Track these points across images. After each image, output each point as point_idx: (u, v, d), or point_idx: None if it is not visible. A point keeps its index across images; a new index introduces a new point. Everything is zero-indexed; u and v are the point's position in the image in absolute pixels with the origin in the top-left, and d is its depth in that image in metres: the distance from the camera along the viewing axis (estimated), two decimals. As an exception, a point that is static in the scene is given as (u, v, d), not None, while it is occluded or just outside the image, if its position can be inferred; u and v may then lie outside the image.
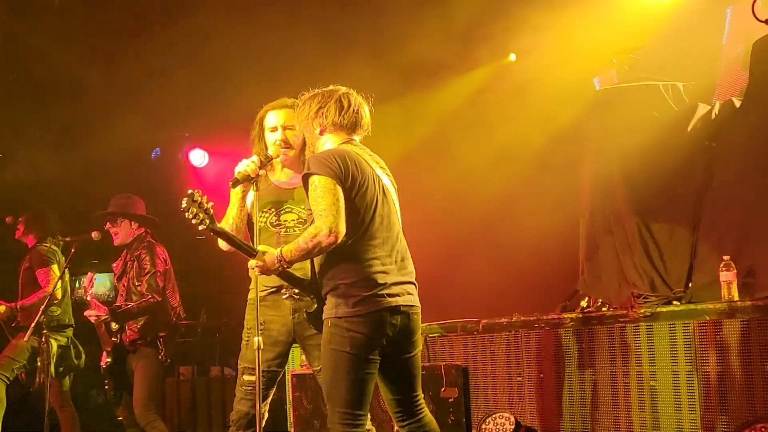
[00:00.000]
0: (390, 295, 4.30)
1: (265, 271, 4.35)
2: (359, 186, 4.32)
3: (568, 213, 7.23)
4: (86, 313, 6.72)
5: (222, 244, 4.76)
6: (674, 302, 5.93)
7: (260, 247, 4.38)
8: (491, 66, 8.85)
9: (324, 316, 4.37)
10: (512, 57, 8.71)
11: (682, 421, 5.37)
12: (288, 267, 4.32)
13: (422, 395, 4.57)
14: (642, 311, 5.67)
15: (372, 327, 4.26)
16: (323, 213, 4.19)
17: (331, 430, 4.35)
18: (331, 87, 4.57)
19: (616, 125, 6.65)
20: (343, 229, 4.19)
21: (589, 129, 6.96)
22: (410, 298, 4.41)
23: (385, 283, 4.30)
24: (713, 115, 6.21)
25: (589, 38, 7.36)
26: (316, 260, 4.43)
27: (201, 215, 4.25)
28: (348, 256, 4.30)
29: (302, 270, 4.53)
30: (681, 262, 6.19)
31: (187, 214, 4.24)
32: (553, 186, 7.62)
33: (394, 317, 4.32)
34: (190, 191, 4.23)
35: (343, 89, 4.55)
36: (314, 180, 4.27)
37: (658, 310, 5.64)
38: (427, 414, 4.54)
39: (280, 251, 4.28)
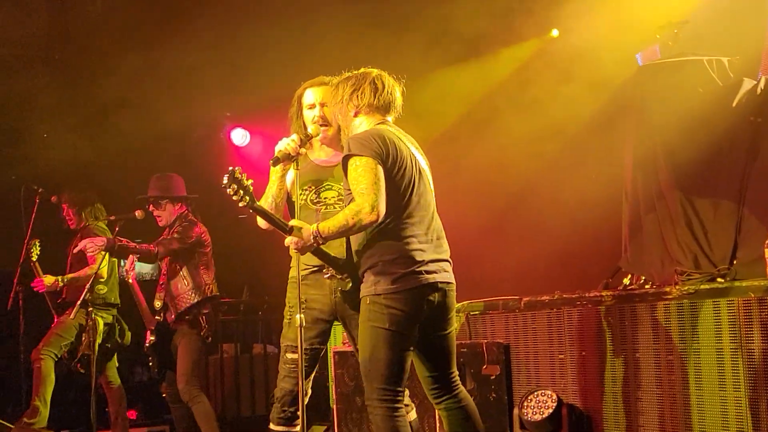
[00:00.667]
0: (428, 272, 4.36)
1: (301, 247, 4.38)
2: (398, 166, 4.36)
3: (611, 189, 7.17)
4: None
5: (261, 223, 4.82)
6: (718, 279, 5.87)
7: (294, 222, 4.40)
8: (535, 41, 8.81)
9: (362, 293, 4.42)
10: (555, 32, 8.66)
11: (726, 400, 5.32)
12: (323, 243, 4.35)
13: (457, 373, 4.60)
14: (685, 288, 5.62)
15: (410, 303, 4.32)
16: (365, 191, 4.23)
17: (369, 406, 4.40)
18: (362, 70, 4.61)
19: (660, 101, 6.58)
20: (383, 208, 4.24)
21: (631, 105, 6.88)
22: (447, 275, 4.47)
23: (423, 260, 4.36)
24: (758, 90, 6.11)
25: (631, 13, 7.28)
26: (353, 239, 4.48)
27: (241, 192, 4.29)
28: (386, 234, 4.35)
29: (338, 249, 4.58)
30: (725, 239, 6.11)
31: (228, 190, 4.29)
32: (596, 162, 7.57)
33: (432, 294, 4.38)
34: (230, 168, 4.29)
35: (376, 71, 4.61)
36: (355, 160, 4.31)
37: (702, 287, 5.59)
38: (462, 390, 4.59)
39: (317, 227, 4.31)
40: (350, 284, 4.51)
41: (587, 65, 7.59)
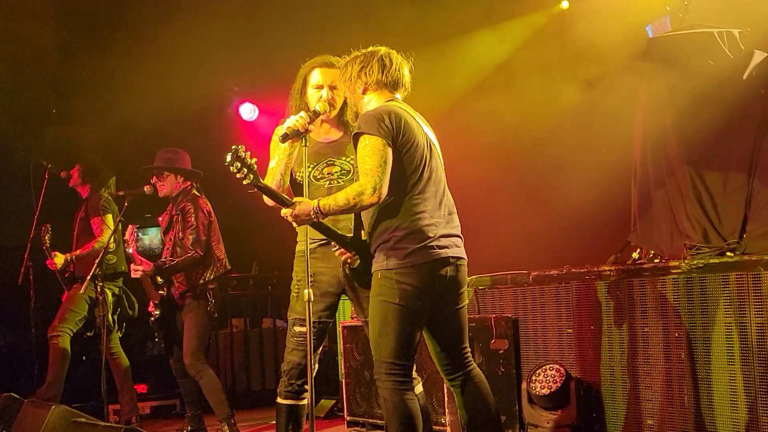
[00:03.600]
0: (439, 247, 4.39)
1: (298, 219, 4.40)
2: (409, 142, 4.40)
3: (620, 164, 7.14)
4: (132, 267, 6.84)
5: (267, 200, 4.86)
6: (728, 253, 5.84)
7: (296, 199, 4.44)
8: (544, 12, 8.78)
9: (374, 269, 4.46)
10: (565, 4, 8.63)
11: (734, 373, 5.32)
12: (323, 218, 4.39)
13: (469, 348, 4.62)
14: (694, 262, 5.61)
15: (422, 279, 4.35)
16: (369, 173, 4.27)
17: (378, 380, 4.43)
18: (371, 48, 4.65)
19: (669, 74, 6.53)
20: (386, 191, 4.29)
21: (641, 78, 6.84)
22: (458, 250, 4.50)
23: (435, 235, 4.39)
24: (770, 63, 6.07)
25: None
26: (364, 215, 4.50)
27: (245, 170, 4.31)
28: (398, 210, 4.38)
29: (346, 226, 4.61)
30: (735, 213, 6.08)
31: (231, 168, 4.31)
32: (605, 136, 7.54)
33: (443, 269, 4.41)
34: (233, 147, 4.32)
35: (384, 49, 4.66)
36: (364, 139, 4.35)
37: (711, 261, 5.57)
38: (475, 366, 4.62)
39: (317, 202, 4.34)
40: (358, 261, 4.53)
41: (596, 37, 7.53)
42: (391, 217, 4.39)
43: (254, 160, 4.37)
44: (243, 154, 4.32)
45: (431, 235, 4.37)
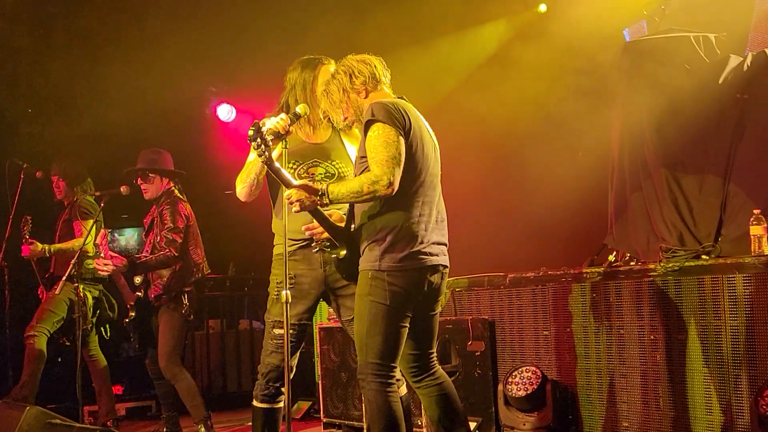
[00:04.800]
0: (431, 254, 4.40)
1: (304, 202, 4.35)
2: (416, 143, 4.37)
3: (598, 167, 7.17)
4: (96, 262, 6.71)
5: (241, 194, 4.85)
6: (703, 256, 5.88)
7: (300, 181, 4.40)
8: (522, 16, 8.79)
9: (363, 266, 4.41)
10: (543, 8, 8.65)
11: (709, 376, 5.35)
12: (327, 204, 4.34)
13: (435, 352, 4.63)
14: (670, 265, 5.64)
15: (412, 282, 4.35)
16: (385, 163, 4.20)
17: (362, 380, 4.40)
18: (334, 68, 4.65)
19: (646, 78, 6.57)
20: (398, 185, 4.23)
21: (618, 82, 6.87)
22: (445, 258, 4.53)
23: (428, 241, 4.39)
24: (745, 67, 6.11)
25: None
26: (359, 209, 4.46)
27: (262, 147, 4.30)
28: (397, 210, 4.35)
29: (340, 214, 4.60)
30: (711, 216, 6.13)
31: (252, 143, 4.31)
32: (583, 139, 7.56)
33: (433, 275, 4.42)
34: (256, 122, 4.32)
35: (345, 58, 4.60)
36: (378, 127, 4.27)
37: (687, 264, 5.60)
38: (440, 369, 4.65)
39: (326, 186, 4.30)
40: (344, 252, 4.50)
41: (572, 41, 7.57)
42: (389, 216, 4.34)
43: (271, 137, 4.37)
44: (264, 131, 4.32)
45: (425, 241, 4.36)
